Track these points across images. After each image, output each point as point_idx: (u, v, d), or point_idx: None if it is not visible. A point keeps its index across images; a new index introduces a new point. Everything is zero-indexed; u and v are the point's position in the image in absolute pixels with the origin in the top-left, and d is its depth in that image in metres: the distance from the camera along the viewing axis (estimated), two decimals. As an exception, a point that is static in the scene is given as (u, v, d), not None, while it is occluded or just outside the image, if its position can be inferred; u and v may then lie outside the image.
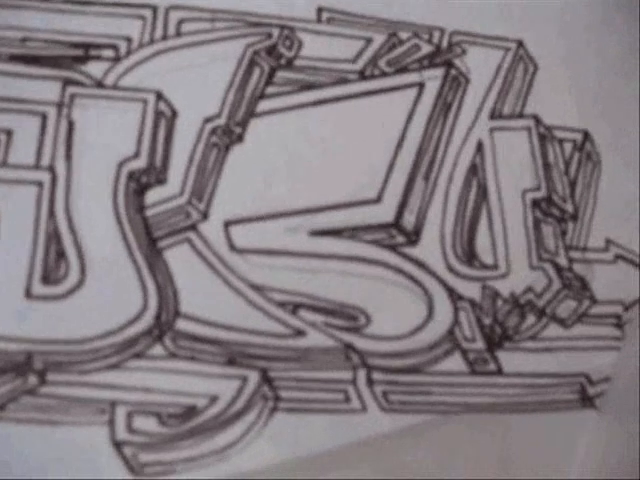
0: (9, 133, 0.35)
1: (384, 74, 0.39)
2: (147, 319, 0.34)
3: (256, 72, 0.38)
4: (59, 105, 0.36)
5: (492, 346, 0.36)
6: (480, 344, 0.36)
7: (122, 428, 0.33)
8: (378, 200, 0.37)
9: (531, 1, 0.41)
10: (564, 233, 0.39)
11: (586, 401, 0.36)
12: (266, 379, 0.34)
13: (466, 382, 0.36)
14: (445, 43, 0.40)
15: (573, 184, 0.39)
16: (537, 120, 0.40)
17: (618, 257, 0.39)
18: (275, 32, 0.38)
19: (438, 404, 0.35)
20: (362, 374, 0.35)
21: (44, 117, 0.36)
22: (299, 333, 0.35)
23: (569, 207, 0.39)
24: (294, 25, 0.38)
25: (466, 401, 0.35)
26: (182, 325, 0.34)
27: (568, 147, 0.40)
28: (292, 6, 0.39)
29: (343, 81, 0.38)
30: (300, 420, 0.34)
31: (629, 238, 0.39)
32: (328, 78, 0.38)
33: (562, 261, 0.38)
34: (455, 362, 0.36)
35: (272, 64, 0.38)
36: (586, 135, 0.40)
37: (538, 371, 0.36)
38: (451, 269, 0.37)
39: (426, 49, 0.39)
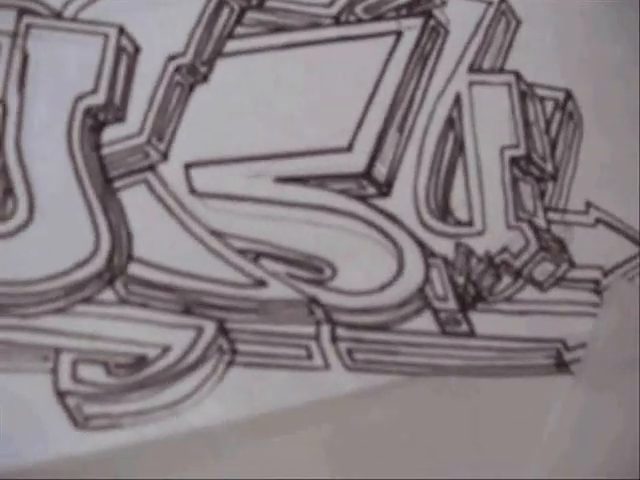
0: (-41, 64, 0.34)
1: (360, 20, 0.37)
2: (98, 262, 0.32)
3: (225, 11, 0.36)
4: (13, 35, 0.34)
5: (465, 306, 0.35)
6: (452, 304, 0.35)
7: (66, 377, 0.31)
8: (349, 149, 0.36)
9: None
10: (543, 193, 0.37)
11: (562, 367, 0.35)
12: (223, 330, 0.32)
13: (436, 343, 0.34)
14: None
15: (554, 144, 0.38)
16: (518, 76, 0.38)
17: (599, 221, 0.37)
18: None
19: (405, 365, 0.34)
20: (326, 330, 0.33)
21: None
22: (260, 283, 0.33)
23: (549, 167, 0.38)
24: None
25: (435, 363, 0.34)
26: (135, 270, 0.32)
27: (549, 105, 0.38)
28: None
29: (316, 25, 0.37)
30: (258, 376, 0.32)
31: (610, 202, 0.38)
32: (301, 21, 0.37)
33: (540, 222, 0.37)
34: (425, 321, 0.34)
35: (242, 4, 0.36)
36: (569, 94, 0.39)
37: (512, 335, 0.35)
38: (424, 224, 0.35)
39: None
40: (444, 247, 0.35)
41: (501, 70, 0.38)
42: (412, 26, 0.38)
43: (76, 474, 0.30)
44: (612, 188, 0.38)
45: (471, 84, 0.38)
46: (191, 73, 0.35)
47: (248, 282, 0.33)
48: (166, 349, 0.32)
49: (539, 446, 0.33)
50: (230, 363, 0.32)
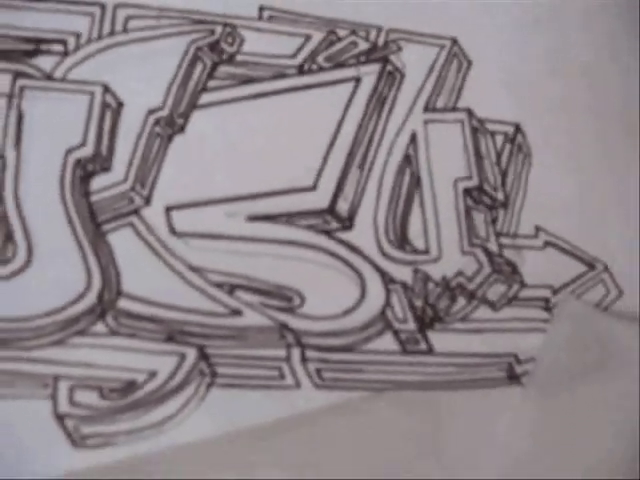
0: (-39, 123, 0.37)
1: (322, 69, 0.41)
2: (90, 298, 0.36)
3: (199, 67, 0.40)
4: (9, 96, 0.38)
5: (423, 327, 0.38)
6: (411, 325, 0.38)
7: (64, 401, 0.34)
8: (314, 187, 0.39)
9: (464, 3, 0.43)
10: (495, 220, 0.40)
11: (513, 379, 0.38)
12: (203, 356, 0.36)
13: (398, 361, 0.37)
14: (382, 40, 0.42)
15: (504, 174, 0.41)
16: (470, 113, 0.41)
17: (547, 244, 0.41)
18: (218, 29, 0.40)
19: (370, 382, 0.37)
20: (296, 352, 0.36)
21: None
22: (236, 312, 0.37)
23: (500, 195, 0.41)
24: (236, 23, 0.40)
25: (398, 379, 0.37)
26: (123, 304, 0.36)
27: (500, 139, 0.42)
28: (235, 5, 0.40)
29: (282, 75, 0.40)
30: (236, 395, 0.36)
31: (558, 225, 0.41)
32: (268, 72, 0.40)
33: (493, 247, 0.40)
34: (387, 342, 0.37)
35: (214, 59, 0.40)
36: (517, 128, 0.42)
37: (468, 351, 0.38)
38: (384, 253, 0.39)
39: (363, 46, 0.41)
40: (403, 274, 0.38)
41: (454, 108, 0.42)
42: (370, 72, 0.41)
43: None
44: (559, 213, 0.41)
45: (426, 122, 0.41)
46: (169, 125, 0.39)
47: (225, 312, 0.36)
48: (152, 374, 0.35)
49: (491, 451, 0.36)
50: (210, 385, 0.35)
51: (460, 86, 0.42)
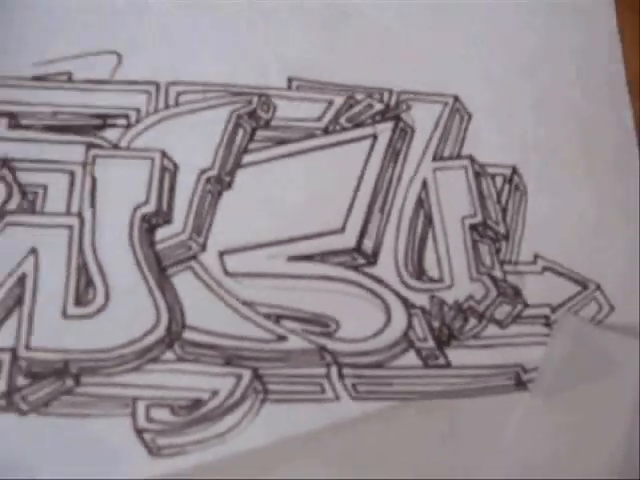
0: (45, 188, 0.43)
1: (344, 129, 0.46)
2: (160, 331, 0.41)
3: (240, 132, 0.46)
4: (84, 164, 0.44)
5: (441, 344, 0.43)
6: (431, 343, 0.43)
7: (142, 418, 0.40)
8: (342, 230, 0.44)
9: (464, 62, 0.49)
10: (498, 250, 0.46)
11: (520, 386, 0.43)
12: (257, 376, 0.41)
13: (421, 374, 0.43)
14: (394, 101, 0.47)
15: (504, 210, 0.46)
16: (472, 160, 0.47)
17: (545, 268, 0.46)
18: (254, 99, 0.46)
19: (398, 392, 0.42)
20: (334, 370, 0.42)
21: (72, 174, 0.44)
22: (282, 338, 0.42)
23: (501, 229, 0.46)
24: (269, 93, 0.46)
25: (421, 389, 0.42)
26: (188, 335, 0.41)
27: (499, 180, 0.47)
28: (267, 77, 0.47)
29: (311, 136, 0.46)
30: (285, 408, 0.41)
31: (554, 252, 0.46)
32: (299, 134, 0.46)
33: (497, 273, 0.45)
34: (411, 358, 0.43)
35: (253, 125, 0.46)
36: (514, 170, 0.47)
37: (480, 364, 0.43)
38: (404, 283, 0.44)
39: (378, 107, 0.47)
40: (421, 300, 0.44)
41: (458, 156, 0.47)
42: (385, 129, 0.47)
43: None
44: (555, 241, 0.46)
45: (435, 170, 0.46)
46: (218, 182, 0.44)
47: (273, 338, 0.42)
48: (215, 393, 0.41)
49: (502, 447, 0.42)
50: (264, 400, 0.41)
51: (463, 136, 0.47)
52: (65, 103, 0.45)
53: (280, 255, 0.43)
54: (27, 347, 0.40)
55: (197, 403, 0.40)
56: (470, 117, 0.48)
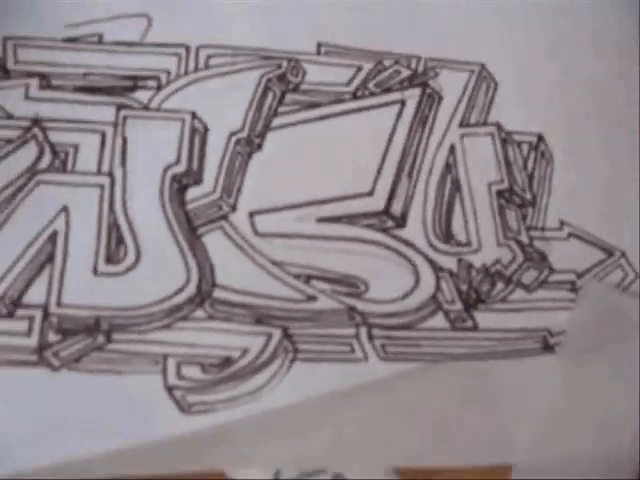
0: (76, 147, 0.43)
1: (372, 94, 0.47)
2: (190, 289, 0.42)
3: (270, 95, 0.46)
4: (115, 124, 0.44)
5: (469, 307, 0.44)
6: (459, 306, 0.44)
7: (173, 375, 0.40)
8: (371, 193, 0.45)
9: (490, 31, 0.49)
10: (525, 217, 0.46)
11: (547, 349, 0.43)
12: (287, 335, 0.42)
13: (448, 336, 0.43)
14: (421, 68, 0.48)
15: (530, 177, 0.47)
16: (499, 127, 0.47)
17: (571, 235, 0.46)
18: (284, 63, 0.46)
19: (426, 354, 0.43)
20: (364, 331, 0.42)
21: (103, 134, 0.44)
22: (312, 298, 0.43)
23: (528, 196, 0.47)
24: (299, 57, 0.47)
25: (449, 351, 0.43)
26: (218, 293, 0.42)
27: (525, 148, 0.47)
28: (297, 42, 0.47)
29: (340, 100, 0.46)
30: (314, 368, 0.41)
31: (579, 219, 0.46)
32: (328, 98, 0.46)
33: (524, 239, 0.46)
34: (439, 320, 0.43)
35: (282, 89, 0.46)
36: (540, 137, 0.48)
37: (507, 327, 0.44)
38: (432, 246, 0.44)
39: (406, 73, 0.47)
40: (449, 263, 0.44)
41: (485, 123, 0.47)
42: (413, 95, 0.47)
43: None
44: (580, 208, 0.47)
45: (462, 136, 0.47)
46: (248, 144, 0.45)
47: (303, 298, 0.42)
48: (245, 351, 0.41)
49: (528, 407, 0.42)
50: (293, 359, 0.41)
51: (489, 104, 0.48)
52: (96, 64, 0.45)
53: (309, 216, 0.44)
54: (58, 304, 0.41)
55: (227, 361, 0.41)
56: (496, 85, 0.48)
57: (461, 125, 0.47)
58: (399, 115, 0.47)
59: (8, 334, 0.40)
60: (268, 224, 0.43)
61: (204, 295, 0.42)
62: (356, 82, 0.47)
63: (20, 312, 0.40)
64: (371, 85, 0.47)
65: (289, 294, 0.42)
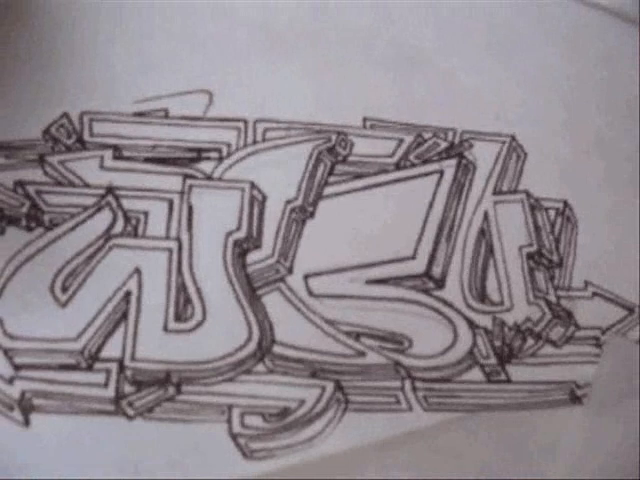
0: (146, 214, 0.47)
1: (413, 165, 0.51)
2: (252, 346, 0.45)
3: (321, 166, 0.50)
4: (181, 193, 0.48)
5: (502, 362, 0.47)
6: (493, 360, 0.47)
7: (237, 424, 0.43)
8: (413, 257, 0.48)
9: (519, 106, 0.53)
10: (552, 277, 0.49)
11: (574, 400, 0.47)
12: (339, 388, 0.45)
13: (484, 388, 0.46)
14: (457, 140, 0.52)
15: (557, 240, 0.50)
16: (528, 194, 0.51)
17: (595, 294, 0.49)
18: (333, 137, 0.50)
19: (465, 405, 0.46)
20: (408, 383, 0.45)
21: (170, 202, 0.48)
22: (361, 354, 0.46)
23: (555, 258, 0.50)
24: (347, 131, 0.51)
25: (485, 402, 0.46)
26: (277, 349, 0.45)
27: (552, 213, 0.51)
28: (344, 117, 0.51)
29: (384, 171, 0.50)
30: (364, 417, 0.45)
31: (602, 279, 0.49)
32: (373, 169, 0.50)
33: (552, 298, 0.49)
34: (475, 374, 0.46)
35: (332, 160, 0.50)
36: (565, 204, 0.51)
37: (538, 380, 0.46)
38: (469, 306, 0.48)
39: (443, 145, 0.51)
40: (485, 321, 0.48)
41: (515, 191, 0.51)
42: (450, 165, 0.51)
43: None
44: (603, 269, 0.50)
45: (495, 203, 0.50)
46: (302, 212, 0.48)
47: (353, 353, 0.46)
48: (302, 402, 0.44)
49: (558, 455, 0.46)
50: (345, 409, 0.44)
51: (519, 173, 0.51)
52: (163, 137, 0.49)
53: (359, 279, 0.47)
54: (133, 358, 0.44)
55: (286, 411, 0.44)
56: (526, 155, 0.52)
57: (494, 193, 0.51)
58: (438, 184, 0.50)
59: (88, 385, 0.44)
60: (321, 285, 0.47)
61: (264, 351, 0.45)
62: (398, 154, 0.51)
63: (98, 365, 0.44)
64: (412, 157, 0.51)
65: (341, 350, 0.46)
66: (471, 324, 0.48)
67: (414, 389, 0.46)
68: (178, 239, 0.47)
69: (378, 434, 0.45)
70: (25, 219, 0.47)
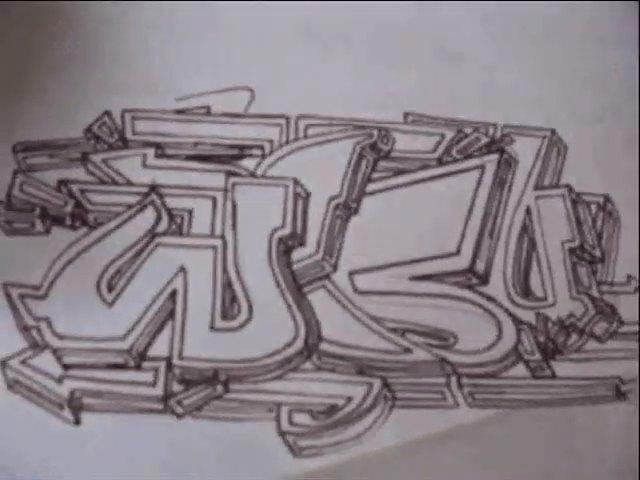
0: (190, 212, 0.48)
1: (455, 160, 0.51)
2: (299, 343, 0.46)
3: (364, 162, 0.50)
4: (225, 191, 0.48)
5: (547, 357, 0.47)
6: (538, 356, 0.47)
7: (285, 422, 0.44)
8: (457, 253, 0.49)
9: (558, 100, 0.53)
10: (595, 272, 0.50)
11: (619, 396, 0.47)
12: (386, 384, 0.45)
13: (529, 384, 0.47)
14: (498, 135, 0.52)
15: (600, 235, 0.50)
16: (570, 189, 0.51)
17: (637, 289, 0.49)
18: (375, 132, 0.51)
19: (510, 400, 0.46)
20: (454, 379, 0.46)
21: (214, 200, 0.48)
22: (407, 350, 0.46)
23: (598, 253, 0.50)
24: (388, 127, 0.51)
25: (530, 398, 0.46)
26: (324, 347, 0.46)
27: (594, 208, 0.51)
28: (386, 113, 0.51)
29: (426, 166, 0.51)
30: (411, 414, 0.45)
31: None
32: (415, 165, 0.50)
33: (595, 293, 0.49)
34: (520, 369, 0.47)
35: (374, 156, 0.50)
36: (607, 198, 0.51)
37: (582, 375, 0.47)
38: (513, 301, 0.48)
39: (484, 140, 0.52)
40: (528, 316, 0.48)
41: (557, 185, 0.51)
42: (491, 160, 0.51)
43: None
44: None
45: (537, 198, 0.51)
46: (346, 208, 0.49)
47: (400, 350, 0.46)
48: (349, 399, 0.45)
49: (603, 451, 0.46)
50: (392, 406, 0.45)
51: (560, 168, 0.52)
52: (205, 134, 0.50)
53: (403, 275, 0.48)
54: (180, 356, 0.45)
55: (333, 408, 0.45)
56: (566, 149, 0.52)
57: (536, 188, 0.51)
58: (480, 179, 0.51)
59: (136, 384, 0.44)
60: (366, 282, 0.47)
61: (311, 348, 0.46)
62: (440, 149, 0.51)
63: (146, 364, 0.45)
64: (454, 152, 0.51)
65: (387, 347, 0.46)
66: (515, 320, 0.48)
67: (460, 385, 0.46)
68: (223, 237, 0.47)
69: (425, 430, 0.45)
70: (70, 218, 0.47)
